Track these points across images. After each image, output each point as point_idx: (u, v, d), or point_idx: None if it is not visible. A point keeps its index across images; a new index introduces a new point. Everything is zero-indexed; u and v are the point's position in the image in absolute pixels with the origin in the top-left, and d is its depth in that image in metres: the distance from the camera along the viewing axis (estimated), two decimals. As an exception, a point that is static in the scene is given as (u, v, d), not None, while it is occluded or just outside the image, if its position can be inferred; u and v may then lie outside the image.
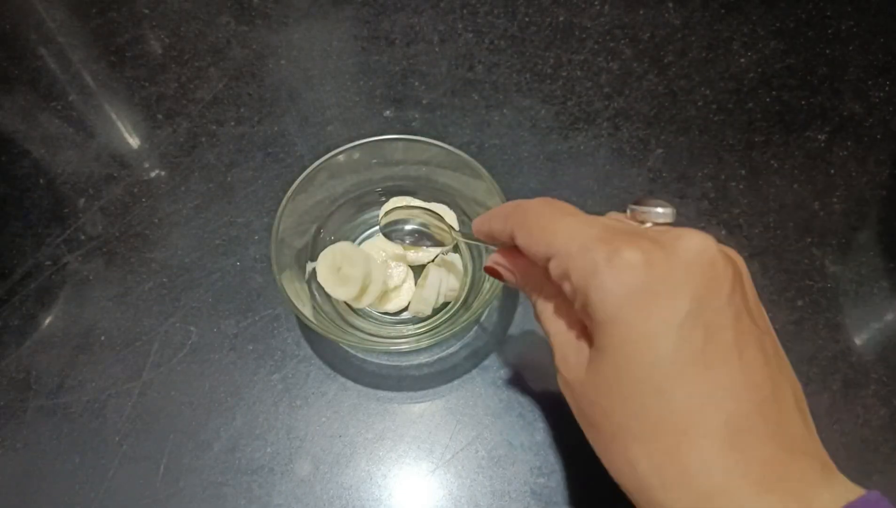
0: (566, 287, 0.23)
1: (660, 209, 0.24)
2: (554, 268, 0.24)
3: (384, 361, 0.41)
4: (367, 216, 0.44)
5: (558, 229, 0.23)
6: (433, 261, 0.42)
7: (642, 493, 0.22)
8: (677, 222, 0.24)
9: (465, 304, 0.41)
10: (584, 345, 0.24)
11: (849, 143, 0.48)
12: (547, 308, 0.26)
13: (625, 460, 0.22)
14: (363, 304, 0.39)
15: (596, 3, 0.55)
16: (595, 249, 0.22)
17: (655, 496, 0.21)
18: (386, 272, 0.41)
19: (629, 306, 0.21)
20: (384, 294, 0.41)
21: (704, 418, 0.20)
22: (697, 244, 0.22)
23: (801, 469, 0.20)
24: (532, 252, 0.25)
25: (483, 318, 0.42)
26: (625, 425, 0.22)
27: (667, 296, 0.21)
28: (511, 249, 0.28)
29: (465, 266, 0.42)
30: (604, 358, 0.22)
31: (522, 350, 0.41)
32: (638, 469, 0.21)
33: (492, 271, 0.30)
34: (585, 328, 0.25)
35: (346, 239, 0.42)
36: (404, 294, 0.41)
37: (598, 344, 0.22)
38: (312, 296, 0.40)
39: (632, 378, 0.21)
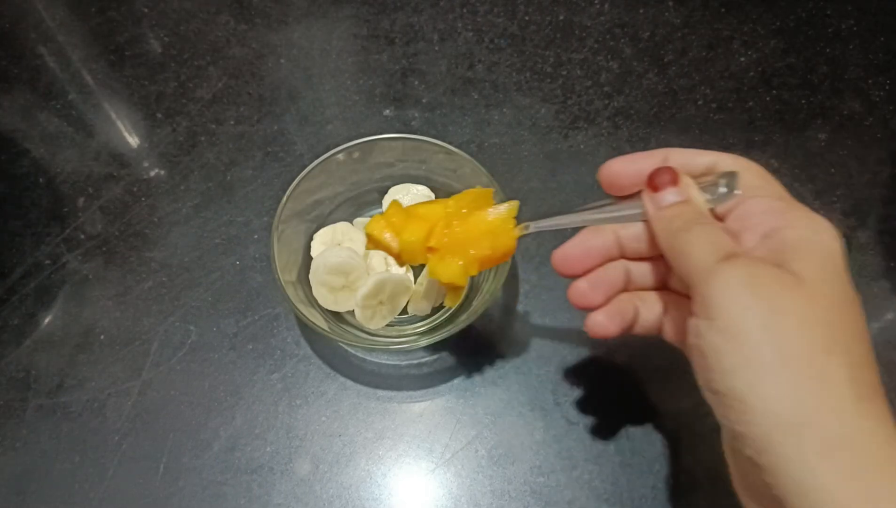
0: (764, 220, 0.26)
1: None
2: (759, 203, 0.26)
3: (384, 360, 0.41)
4: (366, 215, 0.44)
5: (769, 187, 0.27)
6: None
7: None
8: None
9: (465, 304, 0.41)
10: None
11: (849, 142, 0.48)
12: (717, 231, 0.26)
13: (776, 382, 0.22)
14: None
15: (596, 1, 0.55)
16: (804, 210, 0.25)
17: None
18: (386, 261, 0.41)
19: (840, 260, 0.24)
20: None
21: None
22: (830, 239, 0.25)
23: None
24: (745, 190, 0.27)
25: (483, 317, 0.42)
26: (832, 337, 0.23)
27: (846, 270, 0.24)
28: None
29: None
30: (811, 280, 0.23)
31: (522, 350, 0.41)
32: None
33: (668, 176, 0.28)
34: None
35: (346, 238, 0.42)
36: (404, 293, 0.41)
37: (804, 266, 0.24)
38: (312, 295, 0.40)
39: (842, 299, 0.24)
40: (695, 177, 0.28)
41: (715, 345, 0.23)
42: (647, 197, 0.28)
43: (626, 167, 0.30)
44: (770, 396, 0.22)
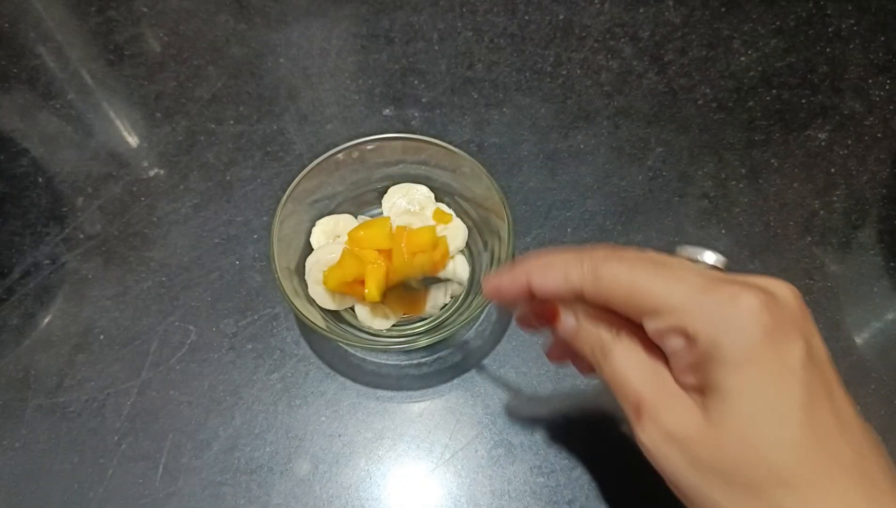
0: (671, 342, 0.23)
1: (711, 254, 0.25)
2: (655, 325, 0.23)
3: (383, 360, 0.41)
4: (366, 215, 0.44)
5: (651, 286, 0.23)
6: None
7: None
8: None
9: (465, 303, 0.41)
10: (685, 396, 0.23)
11: (849, 141, 0.48)
12: (627, 362, 0.25)
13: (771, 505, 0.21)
14: None
15: (596, 1, 0.55)
16: (711, 297, 0.22)
17: None
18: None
19: (763, 347, 0.21)
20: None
21: (840, 461, 0.21)
22: (789, 290, 0.23)
23: None
24: (623, 310, 0.24)
25: (482, 317, 0.42)
26: (772, 471, 0.21)
27: (788, 338, 0.22)
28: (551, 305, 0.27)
29: (472, 266, 0.42)
30: (735, 402, 0.22)
31: (522, 350, 0.41)
32: None
33: (535, 322, 0.28)
34: (679, 382, 0.24)
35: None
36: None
37: (726, 389, 0.22)
38: (311, 295, 0.40)
39: (773, 421, 0.21)
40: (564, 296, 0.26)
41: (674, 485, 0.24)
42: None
43: (499, 295, 0.28)
44: None
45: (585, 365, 0.30)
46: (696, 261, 0.25)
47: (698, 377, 0.23)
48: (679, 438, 0.23)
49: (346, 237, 0.40)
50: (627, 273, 0.24)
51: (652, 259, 0.24)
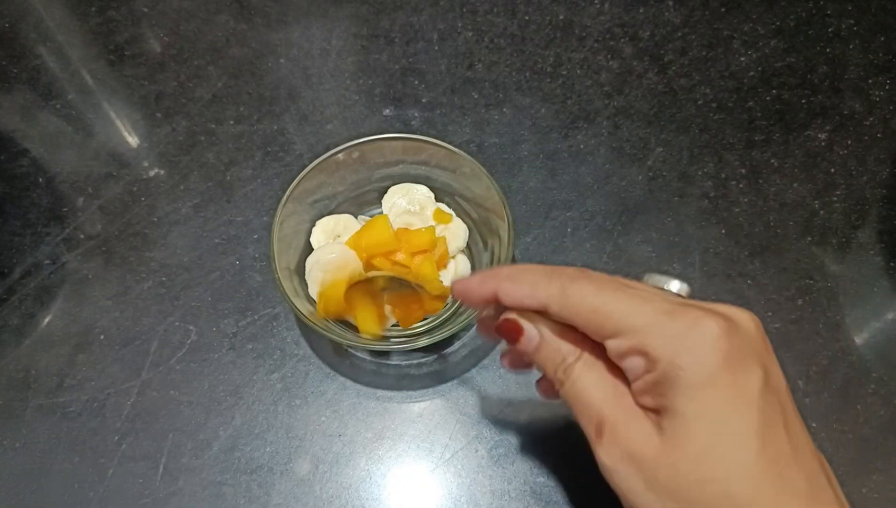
0: (632, 363, 0.24)
1: (676, 282, 0.26)
2: (617, 345, 0.24)
3: (383, 360, 0.41)
4: (366, 215, 0.44)
5: (616, 308, 0.24)
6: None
7: None
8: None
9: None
10: (644, 417, 0.24)
11: (849, 141, 0.48)
12: (587, 380, 0.25)
13: None
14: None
15: (596, 1, 0.55)
16: (673, 321, 0.23)
17: None
18: None
19: (721, 373, 0.22)
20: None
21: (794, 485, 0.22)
22: (751, 319, 0.24)
23: None
24: (587, 329, 0.25)
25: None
26: (726, 494, 0.21)
27: (746, 365, 0.23)
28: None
29: (473, 266, 0.42)
30: (691, 426, 0.22)
31: (522, 349, 0.41)
32: None
33: (512, 330, 0.27)
34: (637, 403, 0.25)
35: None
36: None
37: (684, 412, 0.22)
38: (311, 295, 0.40)
39: (729, 446, 0.22)
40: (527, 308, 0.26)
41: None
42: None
43: (466, 296, 0.28)
44: None
45: (546, 385, 0.32)
46: (661, 288, 0.26)
47: (656, 398, 0.23)
48: (636, 458, 0.23)
49: (346, 237, 0.40)
50: (595, 293, 0.24)
51: (619, 282, 0.25)
